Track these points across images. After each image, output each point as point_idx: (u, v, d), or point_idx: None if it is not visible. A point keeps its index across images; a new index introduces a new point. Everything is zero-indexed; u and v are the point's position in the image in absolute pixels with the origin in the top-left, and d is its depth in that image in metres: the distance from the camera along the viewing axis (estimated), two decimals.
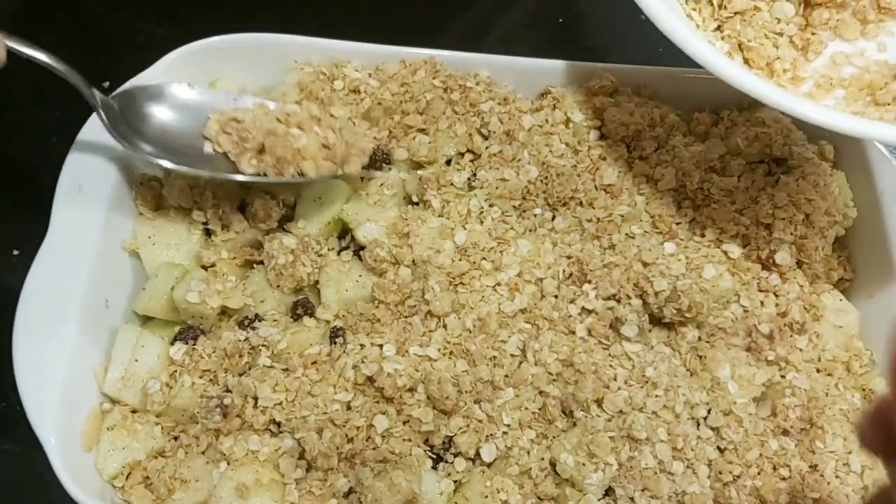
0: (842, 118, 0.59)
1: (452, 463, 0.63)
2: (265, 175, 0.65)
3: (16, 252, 0.78)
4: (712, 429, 0.64)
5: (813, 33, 0.70)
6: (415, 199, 0.72)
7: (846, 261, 0.74)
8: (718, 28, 0.70)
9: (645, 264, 0.68)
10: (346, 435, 0.62)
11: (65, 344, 0.63)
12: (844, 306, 0.71)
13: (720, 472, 0.62)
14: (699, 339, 0.68)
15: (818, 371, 0.68)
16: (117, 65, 0.88)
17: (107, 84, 0.87)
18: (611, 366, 0.65)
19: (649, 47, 0.86)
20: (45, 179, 0.78)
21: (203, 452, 0.62)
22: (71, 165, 0.69)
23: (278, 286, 0.67)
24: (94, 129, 0.71)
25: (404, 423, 0.63)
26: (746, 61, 0.69)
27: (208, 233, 0.70)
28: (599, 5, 0.94)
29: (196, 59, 0.76)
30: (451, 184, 0.72)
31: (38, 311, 0.64)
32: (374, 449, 0.61)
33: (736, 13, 0.70)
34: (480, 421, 0.63)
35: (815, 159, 0.75)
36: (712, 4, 0.70)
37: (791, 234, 0.71)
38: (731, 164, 0.74)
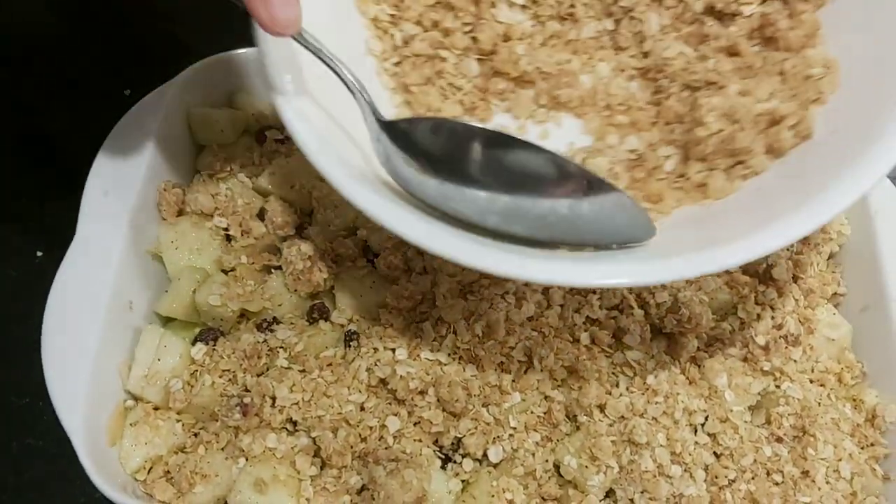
0: None
1: (461, 463, 0.65)
2: None
3: (39, 253, 0.80)
4: (709, 435, 0.67)
5: (485, 99, 0.66)
6: None
7: (840, 276, 0.77)
8: (398, 63, 0.66)
9: None
10: (360, 434, 0.64)
11: (91, 343, 0.65)
12: (837, 320, 0.74)
13: (716, 476, 0.65)
14: (698, 349, 0.70)
15: (811, 381, 0.70)
16: (139, 74, 0.92)
17: (128, 92, 0.91)
18: (613, 373, 0.68)
19: None
20: (68, 184, 0.81)
21: (223, 449, 0.64)
22: (97, 172, 0.72)
23: (295, 290, 0.69)
24: (118, 136, 0.74)
25: (415, 424, 0.65)
26: (409, 103, 0.65)
27: (228, 238, 0.73)
28: None
29: (217, 71, 0.79)
30: None
31: (66, 312, 0.66)
32: (386, 448, 0.64)
33: (416, 55, 0.66)
34: (488, 423, 0.65)
35: None
36: (393, 38, 0.66)
37: (787, 250, 0.74)
38: None
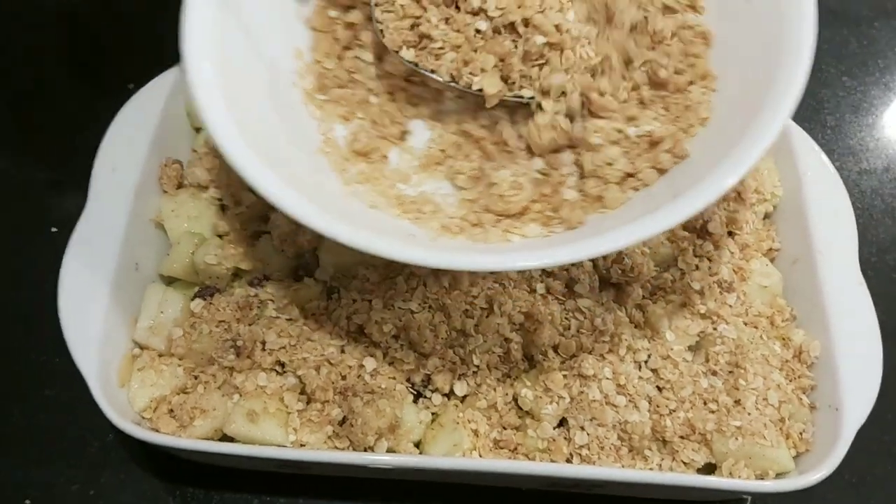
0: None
1: (430, 398, 0.74)
2: None
3: (54, 229, 0.89)
4: (652, 370, 0.74)
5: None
6: None
7: (774, 233, 0.85)
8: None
9: None
10: (340, 373, 0.72)
11: (102, 300, 0.74)
12: (770, 270, 0.81)
13: (658, 406, 0.73)
14: (643, 297, 0.78)
15: (745, 324, 0.78)
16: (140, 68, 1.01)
17: (131, 86, 0.99)
18: (565, 318, 0.76)
19: None
20: (78, 165, 0.90)
21: (219, 387, 0.72)
22: (105, 150, 0.81)
23: (282, 251, 0.78)
24: (124, 119, 0.83)
25: (389, 363, 0.74)
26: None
27: (223, 208, 0.81)
28: None
29: None
30: None
31: (80, 274, 0.75)
32: (363, 384, 0.72)
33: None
34: (454, 362, 0.73)
35: None
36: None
37: (724, 209, 0.82)
38: None
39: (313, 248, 0.78)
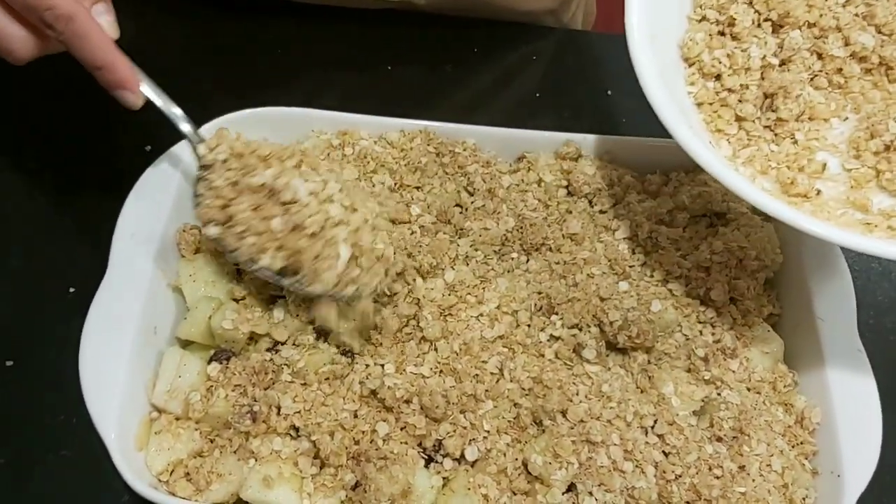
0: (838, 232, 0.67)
1: (441, 462, 0.75)
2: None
3: (72, 290, 0.91)
4: (658, 436, 0.76)
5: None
6: None
7: (775, 299, 0.87)
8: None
9: (602, 299, 0.81)
10: (353, 438, 0.74)
11: (122, 363, 0.75)
12: (771, 336, 0.84)
13: (664, 472, 0.74)
14: (648, 361, 0.80)
15: (748, 389, 0.80)
16: (157, 135, 1.04)
17: (148, 148, 1.02)
18: (573, 383, 0.78)
19: (613, 118, 1.01)
20: (96, 228, 0.92)
21: (235, 452, 0.74)
22: (125, 216, 0.83)
23: (297, 316, 0.80)
24: (144, 185, 0.85)
25: (402, 428, 0.75)
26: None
27: (239, 272, 0.84)
28: (571, 82, 1.09)
29: (230, 128, 0.89)
30: (443, 232, 0.86)
31: (100, 337, 0.77)
32: (376, 449, 0.73)
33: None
34: (465, 427, 0.75)
35: (749, 214, 0.89)
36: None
37: (726, 275, 0.84)
38: (677, 217, 0.88)
39: None
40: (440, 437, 0.75)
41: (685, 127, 0.70)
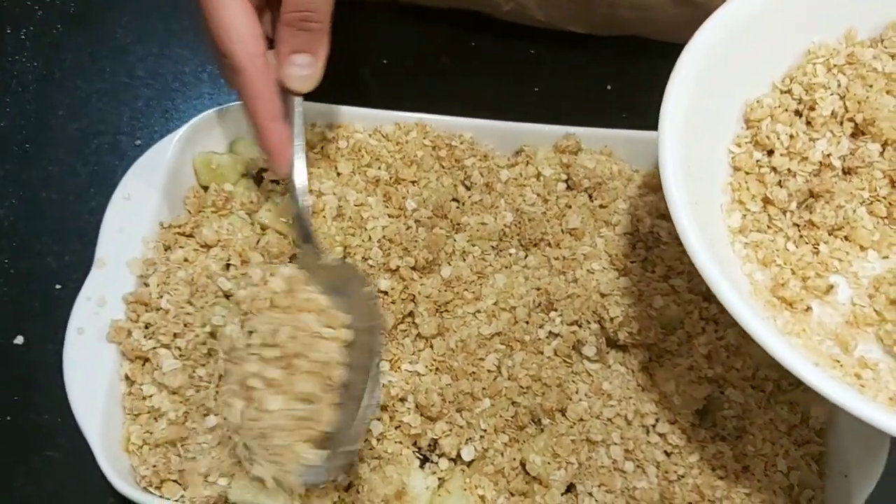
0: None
1: (437, 462, 0.73)
2: None
3: (58, 286, 0.89)
4: (660, 435, 0.74)
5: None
6: None
7: None
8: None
9: (602, 295, 0.79)
10: None
11: (106, 362, 0.74)
12: None
13: (666, 472, 0.73)
14: (649, 359, 0.78)
15: (752, 388, 0.78)
16: (146, 122, 1.02)
17: (138, 142, 1.01)
18: (573, 381, 0.76)
19: (613, 113, 0.98)
20: (82, 225, 0.90)
21: (222, 447, 0.72)
22: (113, 210, 0.81)
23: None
24: (131, 180, 0.83)
25: (396, 427, 0.73)
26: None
27: (228, 267, 0.81)
28: (571, 76, 1.07)
29: (216, 124, 0.87)
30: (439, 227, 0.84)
31: (84, 335, 0.75)
32: (370, 449, 0.71)
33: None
34: (461, 426, 0.73)
35: None
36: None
37: None
38: None
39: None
40: (436, 437, 0.73)
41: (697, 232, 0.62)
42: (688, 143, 0.66)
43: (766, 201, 0.72)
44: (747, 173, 0.73)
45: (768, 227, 0.72)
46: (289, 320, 0.67)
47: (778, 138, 0.72)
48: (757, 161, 0.73)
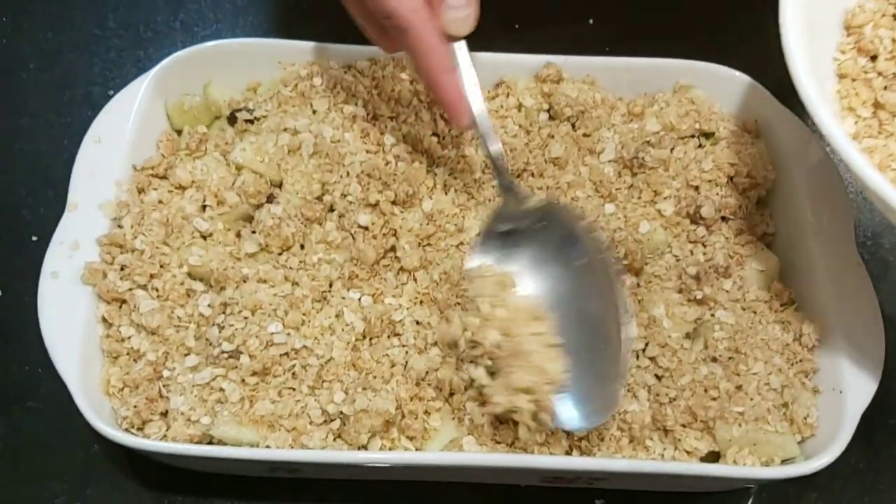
0: None
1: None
2: None
3: (34, 238, 0.87)
4: (650, 359, 0.73)
5: None
6: None
7: (769, 217, 0.83)
8: None
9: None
10: None
11: (81, 306, 0.72)
12: (766, 254, 0.80)
13: (657, 395, 0.71)
14: (637, 284, 0.77)
15: (743, 309, 0.76)
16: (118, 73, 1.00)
17: (111, 93, 0.98)
18: None
19: (595, 46, 0.96)
20: (56, 176, 0.88)
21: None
22: (83, 155, 0.79)
23: (267, 246, 0.76)
24: (101, 123, 0.81)
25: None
26: None
27: (204, 208, 0.79)
28: (551, 10, 1.05)
29: (187, 66, 0.85)
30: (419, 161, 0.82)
31: (58, 281, 0.73)
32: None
33: None
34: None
35: (738, 131, 0.85)
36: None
37: (717, 194, 0.81)
38: (664, 138, 0.83)
39: (300, 244, 0.77)
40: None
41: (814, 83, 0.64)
42: (806, 48, 0.67)
43: (877, 106, 0.73)
44: (853, 80, 0.74)
45: (879, 132, 0.72)
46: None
47: (881, 42, 0.73)
48: (862, 67, 0.74)
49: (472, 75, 0.72)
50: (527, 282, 0.71)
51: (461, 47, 0.71)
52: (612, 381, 0.67)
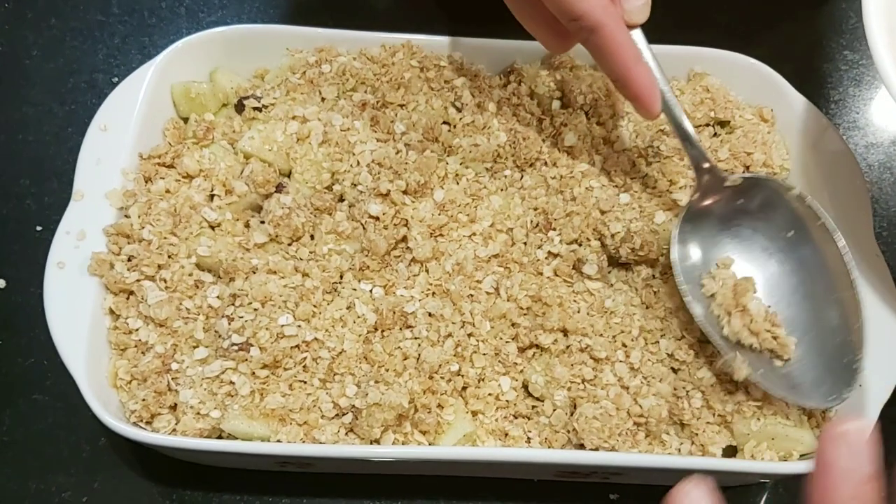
0: None
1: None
2: None
3: (39, 228, 0.86)
4: (666, 352, 0.72)
5: None
6: None
7: None
8: None
9: (602, 212, 0.76)
10: None
11: (88, 296, 0.71)
12: None
13: (675, 388, 0.70)
14: (653, 276, 0.76)
15: None
16: (123, 59, 0.98)
17: (115, 80, 0.97)
18: (574, 300, 0.73)
19: None
20: (61, 165, 0.87)
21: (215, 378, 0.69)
22: (89, 143, 0.77)
23: (276, 237, 0.75)
24: (107, 111, 0.79)
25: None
26: None
27: (212, 198, 0.78)
28: None
29: (194, 52, 0.83)
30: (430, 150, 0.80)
31: (65, 270, 0.71)
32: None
33: None
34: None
35: (755, 120, 0.84)
36: None
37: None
38: None
39: (310, 235, 0.75)
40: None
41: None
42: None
43: None
44: None
45: None
46: None
47: None
48: None
49: (652, 61, 0.72)
50: (740, 262, 0.72)
51: (638, 34, 0.71)
52: (844, 355, 0.67)
